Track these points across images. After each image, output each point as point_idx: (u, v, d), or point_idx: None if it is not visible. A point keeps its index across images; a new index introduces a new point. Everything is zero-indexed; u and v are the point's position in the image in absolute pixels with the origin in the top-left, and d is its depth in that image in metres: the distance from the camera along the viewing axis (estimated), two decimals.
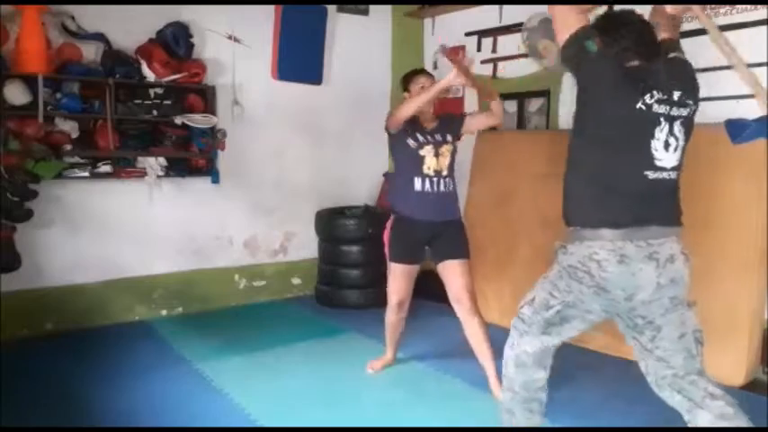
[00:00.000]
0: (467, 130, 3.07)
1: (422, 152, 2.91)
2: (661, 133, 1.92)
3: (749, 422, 1.92)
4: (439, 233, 2.96)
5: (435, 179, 2.92)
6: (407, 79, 3.05)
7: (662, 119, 1.92)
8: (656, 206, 1.93)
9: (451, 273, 2.96)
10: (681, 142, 1.96)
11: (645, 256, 1.88)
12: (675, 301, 1.97)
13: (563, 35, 1.95)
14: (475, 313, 2.92)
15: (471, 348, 2.96)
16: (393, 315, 3.17)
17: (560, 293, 2.02)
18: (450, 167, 2.98)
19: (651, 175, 1.92)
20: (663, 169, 1.93)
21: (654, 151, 1.92)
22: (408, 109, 2.83)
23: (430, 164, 2.91)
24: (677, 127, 1.95)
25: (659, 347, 2.00)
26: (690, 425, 1.99)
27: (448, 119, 3.07)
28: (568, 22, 1.93)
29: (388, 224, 3.08)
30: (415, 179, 2.91)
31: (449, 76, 2.78)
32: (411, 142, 2.92)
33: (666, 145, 1.93)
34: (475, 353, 2.95)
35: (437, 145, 2.93)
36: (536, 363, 2.10)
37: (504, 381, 2.21)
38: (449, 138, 2.97)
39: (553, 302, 2.03)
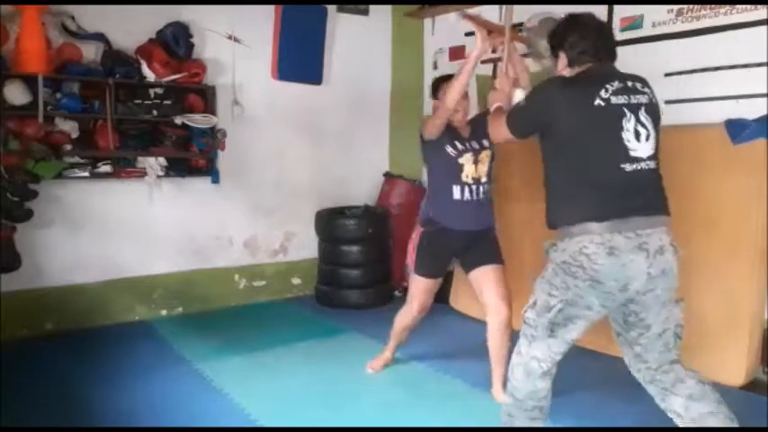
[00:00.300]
0: None
1: (461, 160, 2.81)
2: (629, 123, 1.94)
3: (720, 401, 1.98)
4: (472, 243, 2.88)
5: (474, 186, 2.83)
6: (438, 85, 2.91)
7: (625, 109, 1.95)
8: (638, 197, 1.95)
9: (486, 279, 2.86)
10: (651, 131, 1.98)
11: (634, 246, 1.89)
12: (669, 293, 1.99)
13: (500, 124, 2.22)
14: (509, 326, 2.83)
15: (472, 349, 2.94)
16: (410, 319, 3.11)
17: (558, 292, 2.02)
18: (489, 174, 2.89)
19: (628, 167, 1.94)
20: (639, 160, 1.95)
21: (627, 143, 1.94)
22: (453, 95, 2.66)
23: (468, 171, 2.82)
24: (643, 115, 1.97)
25: (640, 345, 2.04)
26: (667, 413, 2.05)
27: (478, 121, 2.94)
28: (500, 121, 2.22)
29: (416, 235, 2.98)
30: (454, 187, 2.82)
31: (477, 44, 2.62)
32: (450, 150, 2.81)
33: (637, 134, 1.95)
34: (491, 359, 2.88)
35: (476, 152, 2.84)
36: (544, 372, 2.09)
37: (509, 386, 2.20)
38: (485, 143, 2.85)
39: (553, 302, 2.03)
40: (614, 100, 1.93)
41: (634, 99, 1.96)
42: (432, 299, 3.08)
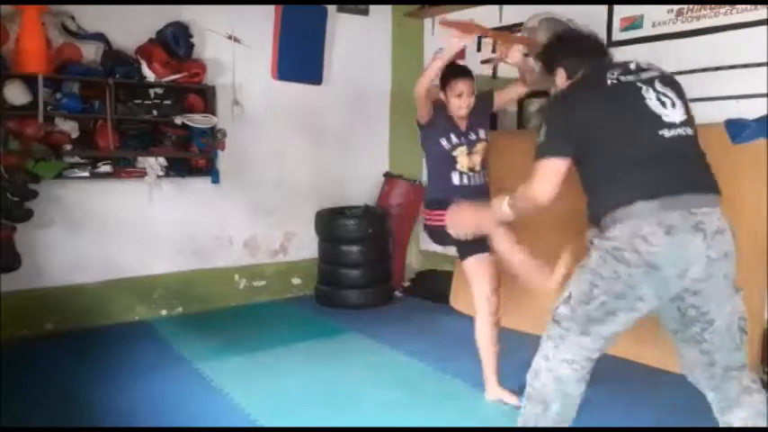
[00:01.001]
0: (498, 106, 3.02)
1: (454, 153, 2.84)
2: (648, 93, 1.89)
3: None
4: None
5: (470, 174, 2.86)
6: (444, 81, 2.87)
7: (639, 83, 1.92)
8: (686, 170, 1.83)
9: (482, 268, 2.81)
10: (674, 98, 1.91)
11: (691, 226, 1.73)
12: (728, 280, 1.82)
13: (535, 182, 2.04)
14: (499, 318, 2.83)
15: (472, 349, 2.92)
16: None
17: (605, 281, 1.80)
18: (483, 164, 2.91)
19: (666, 133, 1.84)
20: (673, 125, 1.85)
21: (654, 109, 1.86)
22: (420, 86, 2.75)
23: (462, 162, 2.85)
24: (659, 86, 1.92)
25: (707, 341, 1.85)
26: (721, 425, 1.93)
27: (477, 107, 2.88)
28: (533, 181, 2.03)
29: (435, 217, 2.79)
30: (452, 174, 2.85)
31: (446, 46, 2.74)
32: (444, 143, 2.84)
33: (662, 102, 1.88)
34: (485, 354, 2.85)
35: (471, 144, 2.86)
36: (578, 376, 1.91)
37: (534, 392, 1.95)
38: (481, 134, 2.89)
39: (597, 292, 1.81)
40: (624, 79, 1.91)
41: (644, 75, 1.93)
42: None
